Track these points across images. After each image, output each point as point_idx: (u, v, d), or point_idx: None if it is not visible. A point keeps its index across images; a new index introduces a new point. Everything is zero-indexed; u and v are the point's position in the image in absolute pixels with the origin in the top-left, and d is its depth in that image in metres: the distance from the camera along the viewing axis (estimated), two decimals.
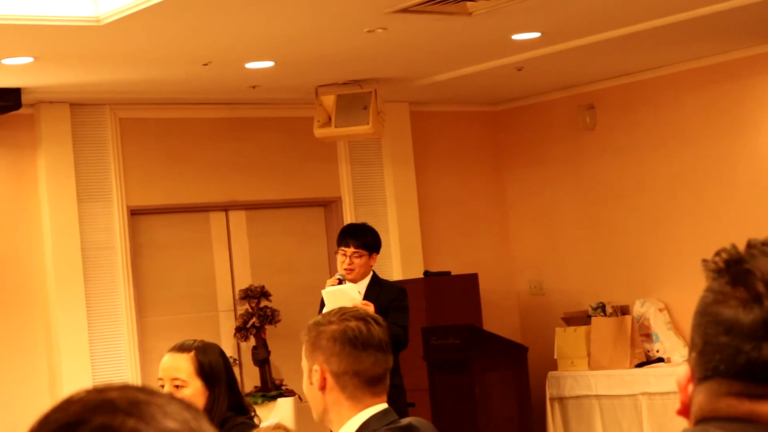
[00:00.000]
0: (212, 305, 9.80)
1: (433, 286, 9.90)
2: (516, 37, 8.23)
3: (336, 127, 9.20)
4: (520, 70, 9.33)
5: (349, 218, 9.94)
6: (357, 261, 7.33)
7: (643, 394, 9.30)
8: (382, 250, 7.64)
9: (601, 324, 9.75)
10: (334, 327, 3.28)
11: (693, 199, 9.72)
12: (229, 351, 9.19)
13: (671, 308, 9.79)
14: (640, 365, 9.54)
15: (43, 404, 8.26)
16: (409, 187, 10.45)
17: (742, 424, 1.48)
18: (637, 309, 9.85)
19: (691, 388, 1.55)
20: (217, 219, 9.91)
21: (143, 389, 1.23)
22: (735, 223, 9.29)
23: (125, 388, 1.23)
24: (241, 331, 9.48)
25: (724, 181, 9.52)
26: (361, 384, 3.26)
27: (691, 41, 8.82)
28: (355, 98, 9.15)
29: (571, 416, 9.83)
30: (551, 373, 9.94)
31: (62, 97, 8.94)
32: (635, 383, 9.37)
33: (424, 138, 10.67)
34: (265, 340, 9.49)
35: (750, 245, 1.54)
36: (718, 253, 1.55)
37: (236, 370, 9.25)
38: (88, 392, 1.22)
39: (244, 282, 9.76)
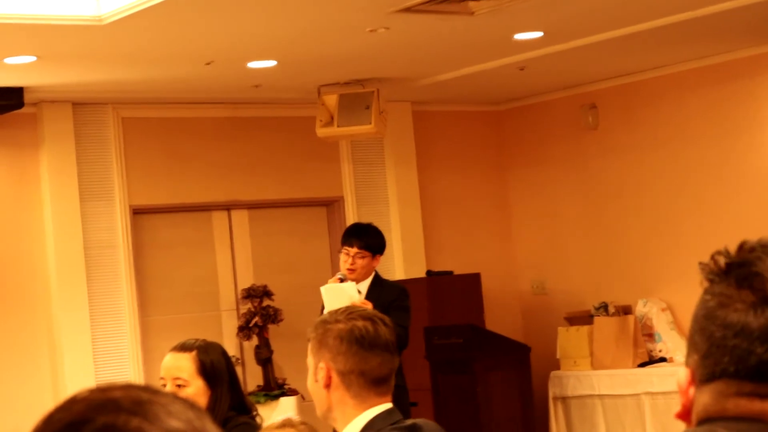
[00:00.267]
0: (215, 304, 9.80)
1: (436, 286, 9.90)
2: (518, 36, 8.22)
3: (338, 126, 9.19)
4: (522, 69, 9.32)
5: (351, 218, 9.94)
6: (360, 261, 7.31)
7: (645, 393, 9.30)
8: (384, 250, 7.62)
9: (603, 324, 9.75)
10: (341, 326, 3.28)
11: (695, 199, 9.72)
12: (232, 350, 9.20)
13: (674, 308, 9.79)
14: (642, 365, 9.53)
15: (45, 403, 8.27)
16: (412, 186, 10.45)
17: (749, 424, 1.48)
18: (640, 309, 9.84)
19: (692, 390, 1.55)
20: (219, 218, 9.91)
21: (147, 388, 1.23)
22: (737, 223, 9.29)
23: (129, 387, 1.22)
24: (244, 331, 9.48)
25: (727, 181, 9.52)
26: (367, 383, 3.26)
27: (694, 41, 8.82)
28: (358, 98, 9.14)
29: (573, 416, 9.82)
30: (554, 373, 9.93)
31: (65, 96, 8.94)
32: (638, 383, 9.37)
33: (427, 137, 10.66)
34: (267, 339, 9.49)
35: (750, 248, 1.54)
36: (715, 256, 1.55)
37: (239, 369, 9.24)
38: (92, 391, 1.22)
39: (246, 281, 9.76)
